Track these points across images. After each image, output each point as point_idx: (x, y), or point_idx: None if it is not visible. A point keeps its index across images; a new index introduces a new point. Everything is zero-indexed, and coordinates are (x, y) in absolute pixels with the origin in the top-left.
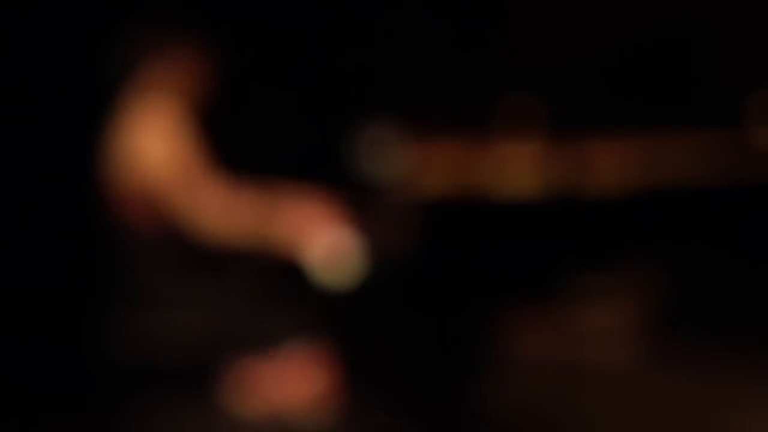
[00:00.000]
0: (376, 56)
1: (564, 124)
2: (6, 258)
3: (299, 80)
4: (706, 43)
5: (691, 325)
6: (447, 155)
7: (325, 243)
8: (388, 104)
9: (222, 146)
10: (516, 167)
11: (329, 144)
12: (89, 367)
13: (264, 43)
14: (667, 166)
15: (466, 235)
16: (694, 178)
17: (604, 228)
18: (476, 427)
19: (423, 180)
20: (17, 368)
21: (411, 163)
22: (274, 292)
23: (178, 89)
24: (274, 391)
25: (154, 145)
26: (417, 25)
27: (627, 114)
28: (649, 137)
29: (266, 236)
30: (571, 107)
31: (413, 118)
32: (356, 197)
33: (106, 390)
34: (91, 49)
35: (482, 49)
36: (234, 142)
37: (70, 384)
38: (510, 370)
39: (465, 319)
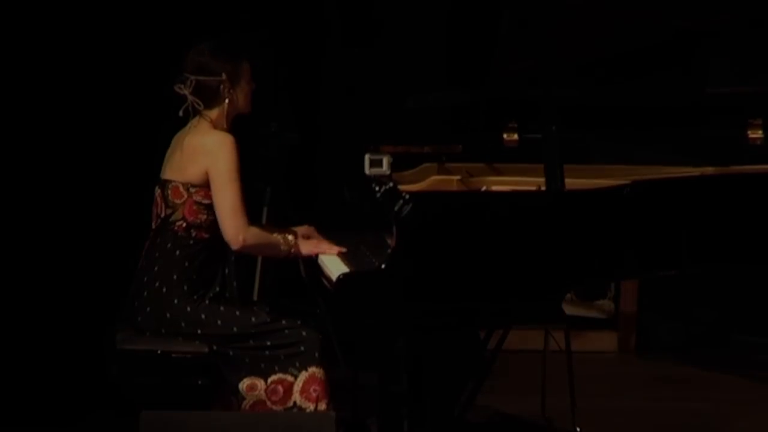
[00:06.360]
0: (377, 84)
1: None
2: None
3: (304, 105)
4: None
5: (670, 344)
6: (444, 183)
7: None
8: (389, 131)
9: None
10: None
11: (327, 169)
12: (103, 361)
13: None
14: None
15: (463, 246)
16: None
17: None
18: None
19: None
20: (21, 374)
21: (408, 187)
22: (287, 307)
23: (238, 101)
24: (280, 402)
25: (220, 138)
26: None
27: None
28: (646, 165)
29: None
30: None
31: (411, 145)
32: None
33: (113, 388)
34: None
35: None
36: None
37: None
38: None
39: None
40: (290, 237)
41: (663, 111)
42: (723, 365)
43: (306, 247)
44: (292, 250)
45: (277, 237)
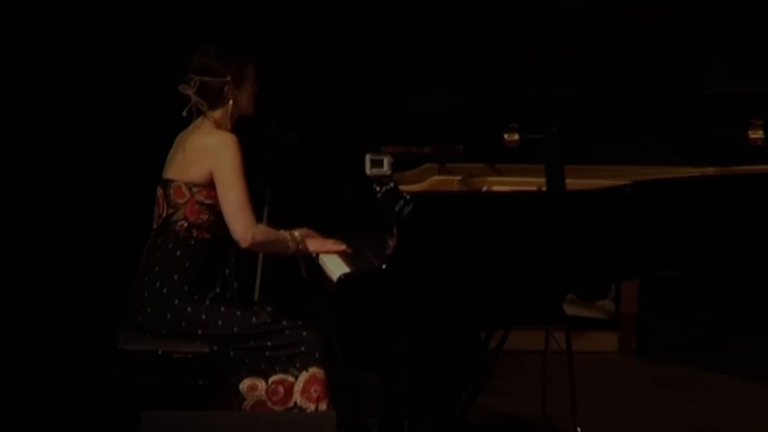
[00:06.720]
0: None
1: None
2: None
3: (304, 106)
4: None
5: (670, 344)
6: (445, 183)
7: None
8: (390, 131)
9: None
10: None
11: (328, 171)
12: (104, 362)
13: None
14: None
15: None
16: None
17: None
18: None
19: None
20: (24, 373)
21: (409, 188)
22: (289, 307)
23: (242, 103)
24: (281, 402)
25: (223, 138)
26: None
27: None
28: (646, 167)
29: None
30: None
31: (412, 145)
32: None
33: (114, 388)
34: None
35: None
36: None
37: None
38: (497, 387)
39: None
40: (297, 234)
41: (663, 111)
42: (723, 365)
43: (313, 245)
44: (300, 247)
45: (284, 234)
